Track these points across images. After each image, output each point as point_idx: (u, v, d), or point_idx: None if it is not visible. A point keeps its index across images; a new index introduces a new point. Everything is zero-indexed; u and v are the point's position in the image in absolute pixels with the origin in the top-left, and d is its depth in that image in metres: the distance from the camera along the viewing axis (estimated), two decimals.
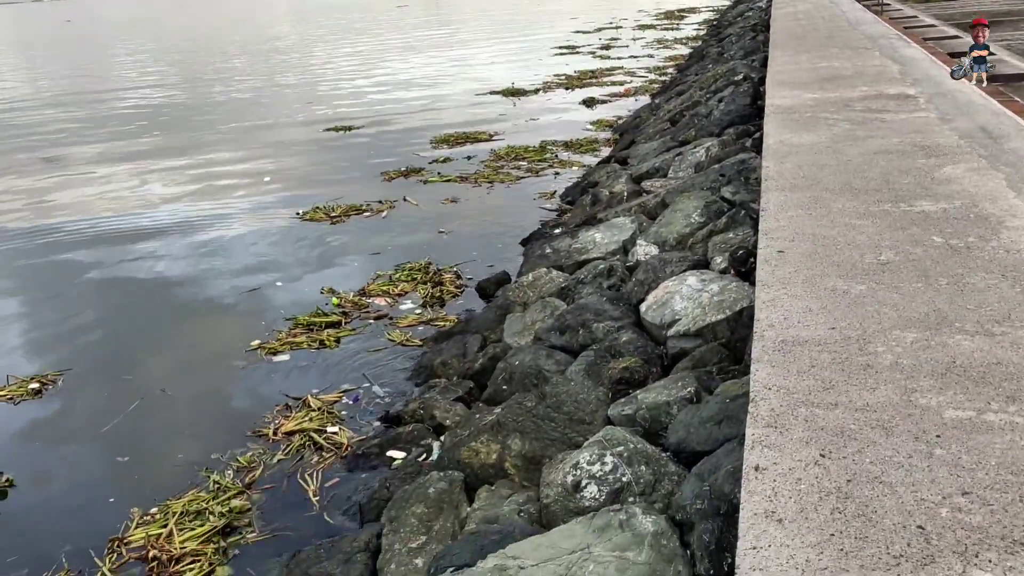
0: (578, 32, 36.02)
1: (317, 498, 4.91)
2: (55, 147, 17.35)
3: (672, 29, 35.72)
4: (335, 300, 7.85)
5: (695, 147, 9.32)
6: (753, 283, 4.32)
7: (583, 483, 3.67)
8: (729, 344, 4.70)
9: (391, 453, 5.10)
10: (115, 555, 4.54)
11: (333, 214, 10.84)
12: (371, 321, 7.44)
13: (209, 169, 14.36)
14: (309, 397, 6.02)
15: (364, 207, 11.11)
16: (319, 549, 4.14)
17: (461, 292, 7.97)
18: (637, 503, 3.45)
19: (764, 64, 12.14)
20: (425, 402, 5.51)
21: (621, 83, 20.71)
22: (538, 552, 3.19)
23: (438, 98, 20.49)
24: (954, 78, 8.06)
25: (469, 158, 13.65)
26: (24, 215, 12.04)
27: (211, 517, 4.71)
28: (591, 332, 5.39)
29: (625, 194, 8.92)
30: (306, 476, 5.12)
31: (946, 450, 2.66)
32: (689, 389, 4.17)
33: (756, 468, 2.65)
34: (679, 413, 4.00)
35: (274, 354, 6.88)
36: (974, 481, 2.50)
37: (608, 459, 3.71)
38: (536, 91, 20.46)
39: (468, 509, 4.12)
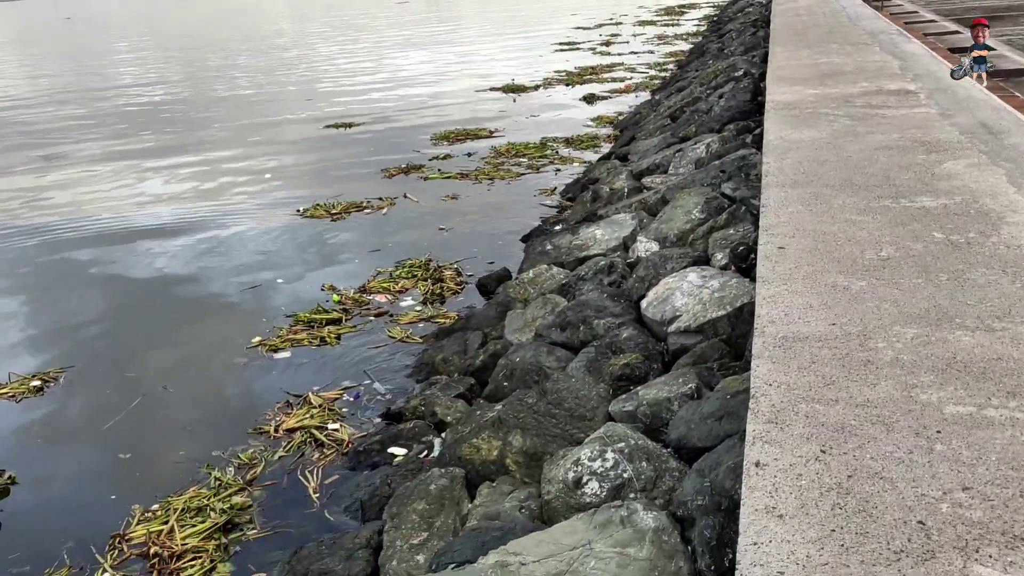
0: (578, 28, 35.98)
1: (318, 495, 4.91)
2: (55, 145, 17.34)
3: (672, 25, 35.69)
4: (336, 297, 7.85)
5: (695, 143, 9.31)
6: (754, 279, 4.32)
7: (584, 479, 3.67)
8: (730, 340, 4.70)
9: (392, 450, 5.10)
10: (116, 552, 4.55)
11: (334, 211, 10.84)
12: (372, 318, 7.44)
13: (210, 166, 14.36)
14: (310, 394, 6.02)
15: (365, 204, 11.11)
16: (321, 546, 4.15)
17: (462, 289, 7.97)
18: (638, 499, 3.45)
19: (764, 60, 12.13)
20: (426, 399, 5.51)
21: (621, 79, 20.70)
22: (539, 548, 3.20)
23: (438, 95, 20.47)
24: (954, 78, 8.04)
25: (469, 155, 13.65)
26: (25, 213, 12.04)
27: (212, 514, 4.72)
28: (592, 328, 5.40)
29: (626, 190, 8.92)
30: (307, 473, 5.12)
31: (947, 446, 2.66)
32: (690, 385, 4.17)
33: (757, 464, 2.65)
34: (680, 409, 4.00)
35: (275, 351, 6.89)
36: (975, 476, 2.50)
37: (609, 455, 3.72)
38: (536, 87, 20.45)
39: (469, 505, 4.13)
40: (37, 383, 6.59)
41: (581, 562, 3.05)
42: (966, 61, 8.00)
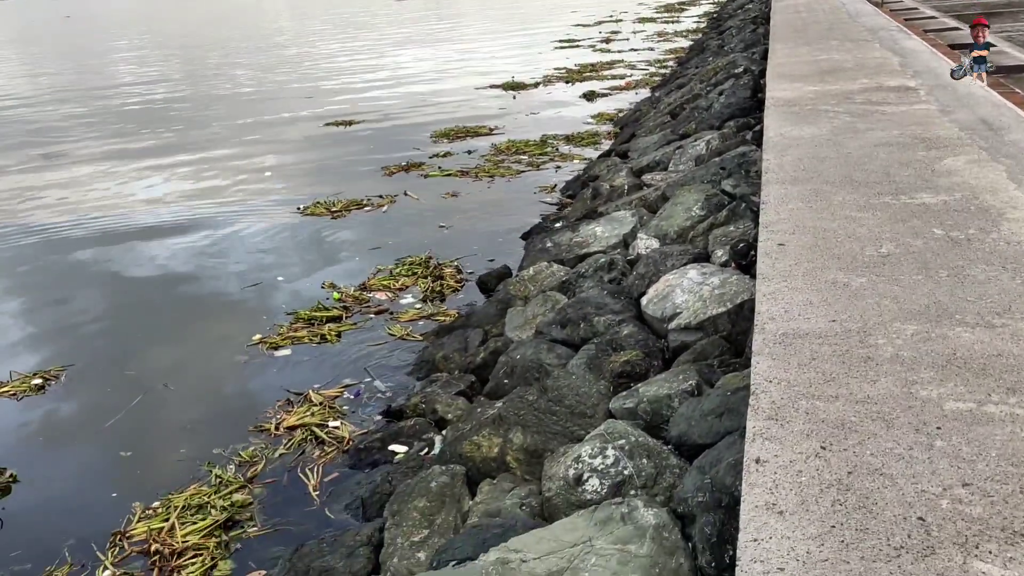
0: (578, 26, 35.94)
1: (318, 492, 4.92)
2: (55, 143, 17.34)
3: (672, 22, 35.66)
4: (336, 295, 7.85)
5: (695, 140, 9.31)
6: (754, 276, 4.32)
7: (585, 476, 3.67)
8: (730, 337, 4.70)
9: (393, 447, 5.10)
10: (117, 549, 4.55)
11: (334, 209, 10.84)
12: (372, 316, 7.44)
13: (210, 164, 14.36)
14: (310, 392, 6.03)
15: (365, 202, 11.11)
16: (322, 543, 4.15)
17: (462, 286, 7.97)
18: (639, 496, 3.46)
19: (764, 57, 12.12)
20: (427, 396, 5.52)
21: (621, 76, 20.68)
22: (540, 545, 3.20)
23: (438, 92, 20.46)
24: (954, 78, 8.03)
25: (469, 152, 13.64)
26: (25, 211, 12.05)
27: (213, 511, 4.73)
28: (592, 326, 5.40)
29: (626, 188, 8.92)
30: (308, 470, 5.13)
31: (946, 442, 2.66)
32: (690, 382, 4.17)
33: (757, 461, 2.65)
34: (680, 406, 4.01)
35: (275, 349, 6.90)
36: (974, 473, 2.51)
37: (610, 452, 3.72)
38: (536, 85, 20.43)
39: (470, 503, 4.13)
40: (38, 381, 6.60)
41: (582, 559, 3.05)
42: (966, 61, 7.99)
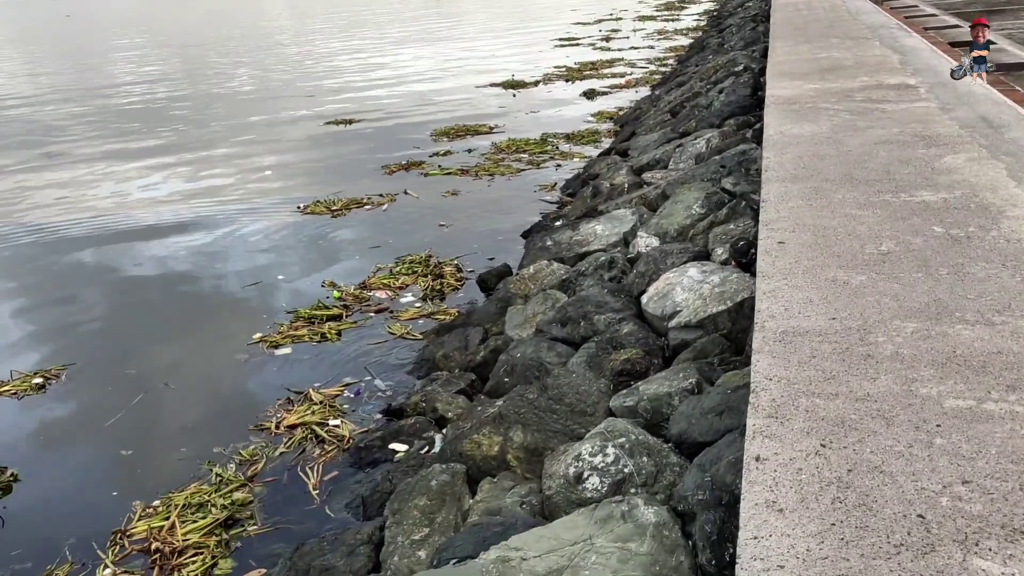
0: (578, 24, 35.94)
1: (319, 491, 4.92)
2: (56, 142, 17.34)
3: (672, 20, 35.64)
4: (336, 293, 7.86)
5: (695, 138, 9.30)
6: (754, 274, 4.32)
7: (585, 474, 3.68)
8: (730, 335, 4.70)
9: (393, 446, 5.11)
10: (118, 548, 4.56)
11: (334, 207, 10.85)
12: (372, 314, 7.45)
13: (210, 163, 14.36)
14: (311, 390, 6.03)
15: (365, 200, 11.11)
16: (322, 542, 4.15)
17: (462, 285, 7.98)
18: (639, 494, 3.46)
19: (764, 55, 12.11)
20: (427, 395, 5.52)
21: (621, 75, 20.67)
22: (540, 543, 3.20)
23: (438, 91, 20.45)
24: (954, 78, 8.02)
25: (470, 151, 13.64)
26: (25, 210, 12.05)
27: (213, 510, 4.73)
28: (592, 324, 5.40)
29: (626, 186, 8.91)
30: (308, 469, 5.13)
31: (946, 439, 2.66)
32: (690, 380, 4.17)
33: (757, 458, 2.65)
34: (680, 404, 4.01)
35: (276, 347, 6.90)
36: (974, 470, 2.51)
37: (610, 450, 3.72)
38: (536, 83, 20.42)
39: (471, 501, 4.13)
40: (39, 380, 6.60)
41: (582, 557, 3.06)
42: (966, 61, 7.98)
